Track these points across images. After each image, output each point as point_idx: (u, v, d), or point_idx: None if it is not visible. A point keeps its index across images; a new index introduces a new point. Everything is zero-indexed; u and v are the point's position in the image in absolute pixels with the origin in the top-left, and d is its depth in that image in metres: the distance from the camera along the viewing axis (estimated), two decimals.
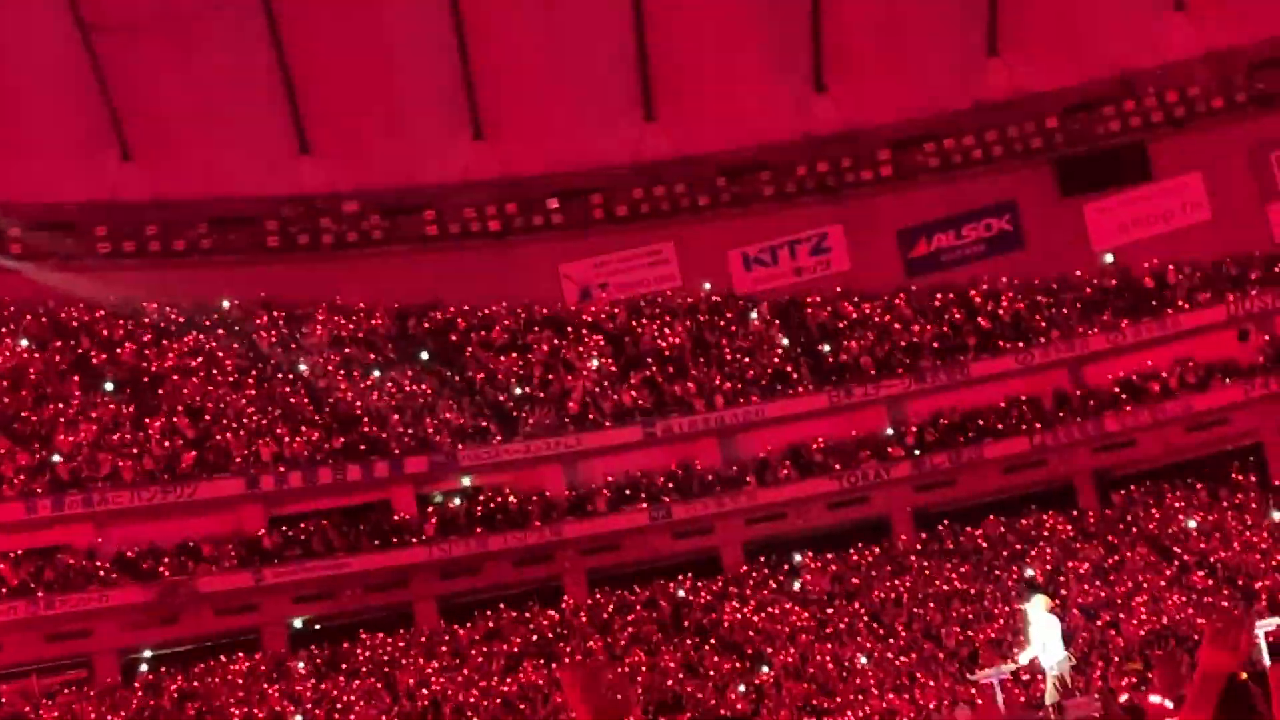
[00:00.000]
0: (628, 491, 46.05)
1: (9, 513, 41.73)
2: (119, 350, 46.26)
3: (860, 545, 46.06)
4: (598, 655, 41.85)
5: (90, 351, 46.11)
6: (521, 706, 40.92)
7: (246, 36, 47.57)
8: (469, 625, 44.27)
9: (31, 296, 46.03)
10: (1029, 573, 43.99)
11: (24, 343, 46.10)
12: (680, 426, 47.08)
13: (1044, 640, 28.58)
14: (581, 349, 49.03)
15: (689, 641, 42.40)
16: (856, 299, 50.13)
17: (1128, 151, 50.15)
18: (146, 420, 44.67)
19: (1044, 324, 48.54)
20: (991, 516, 46.22)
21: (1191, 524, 44.94)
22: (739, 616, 43.56)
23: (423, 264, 49.46)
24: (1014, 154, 50.68)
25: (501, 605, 44.63)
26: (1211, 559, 43.49)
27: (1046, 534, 45.45)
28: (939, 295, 49.93)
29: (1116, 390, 47.29)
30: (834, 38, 50.35)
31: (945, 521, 46.50)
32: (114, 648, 42.92)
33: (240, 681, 41.84)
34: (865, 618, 42.71)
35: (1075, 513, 46.29)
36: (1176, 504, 45.94)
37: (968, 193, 50.58)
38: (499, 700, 41.15)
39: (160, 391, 45.62)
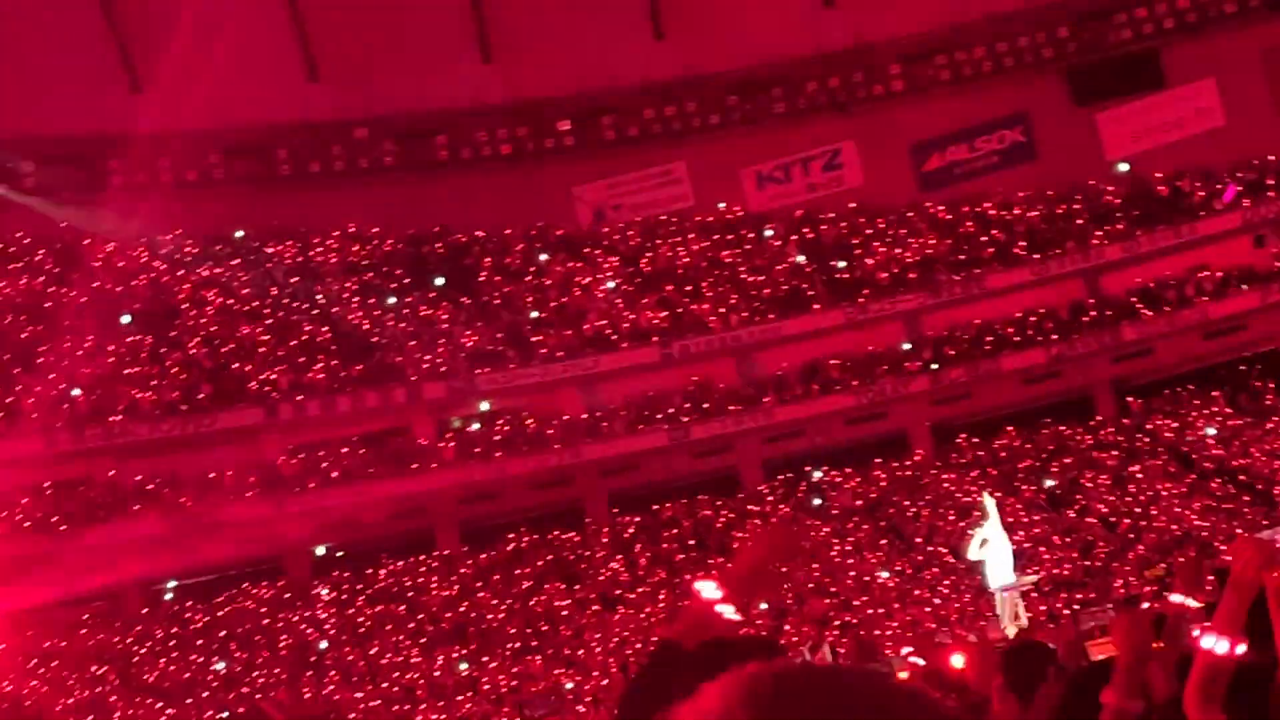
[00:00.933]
0: (646, 412, 46.22)
1: (29, 447, 41.79)
2: (134, 283, 46.34)
3: (879, 460, 46.17)
4: (620, 577, 42.26)
5: (106, 285, 46.20)
6: (544, 628, 41.25)
7: None
8: (490, 549, 44.54)
9: (46, 231, 46.05)
10: (1049, 483, 44.20)
11: (40, 278, 46.24)
12: (697, 346, 47.13)
13: (991, 546, 28.52)
14: (596, 271, 49.10)
15: (710, 560, 42.58)
16: (870, 214, 50.07)
17: (1140, 59, 50.08)
18: (164, 352, 44.80)
19: (1059, 235, 48.52)
20: (1010, 429, 46.31)
21: (1210, 431, 45.05)
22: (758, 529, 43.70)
23: (435, 189, 49.47)
24: (1025, 64, 50.68)
25: (522, 529, 44.86)
26: (1230, 465, 43.62)
27: (1065, 445, 45.58)
28: (953, 209, 49.92)
29: (1133, 300, 47.32)
30: None
31: (963, 435, 46.58)
32: (138, 579, 43.23)
33: (264, 610, 42.16)
34: (885, 532, 42.90)
35: (1093, 423, 46.41)
36: (1195, 412, 46.06)
37: (980, 105, 50.67)
38: (522, 622, 41.47)
39: (177, 323, 45.74)
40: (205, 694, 38.47)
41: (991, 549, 28.70)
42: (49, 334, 44.64)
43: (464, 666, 39.90)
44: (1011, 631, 27.18)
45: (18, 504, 41.52)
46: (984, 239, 48.81)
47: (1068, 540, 41.75)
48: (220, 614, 41.90)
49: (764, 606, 32.56)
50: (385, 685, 39.37)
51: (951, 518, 43.46)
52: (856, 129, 50.81)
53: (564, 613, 41.77)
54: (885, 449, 46.76)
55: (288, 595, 42.86)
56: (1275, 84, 49.60)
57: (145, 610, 42.46)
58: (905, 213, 49.98)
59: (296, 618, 41.90)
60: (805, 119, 50.88)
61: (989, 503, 30.20)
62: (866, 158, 50.73)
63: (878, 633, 37.73)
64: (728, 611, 4.13)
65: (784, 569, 4.30)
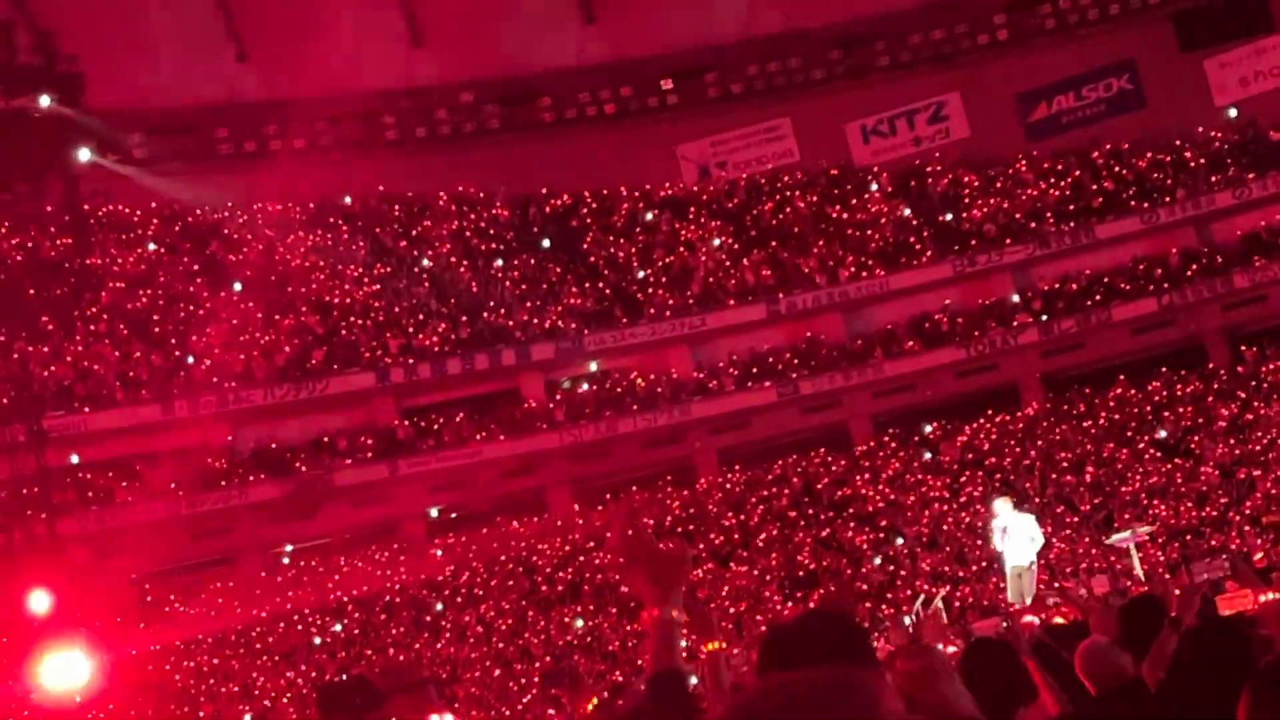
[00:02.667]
0: (754, 369, 46.41)
1: (147, 414, 42.55)
2: (245, 251, 46.92)
3: (990, 413, 46.17)
4: (732, 534, 42.49)
5: (217, 253, 46.84)
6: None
7: None
8: (601, 509, 44.90)
9: (157, 201, 46.66)
10: (1161, 433, 44.08)
11: (151, 246, 46.90)
12: (804, 302, 47.25)
13: (1012, 538, 28.90)
14: (702, 229, 49.31)
15: (821, 516, 42.81)
16: (977, 166, 50.03)
17: (1247, 3, 49.66)
18: (276, 318, 45.42)
19: (1169, 182, 48.32)
20: (1122, 378, 46.20)
21: None
22: (870, 489, 43.91)
23: (540, 151, 49.77)
24: (1131, 11, 50.35)
25: (633, 487, 45.18)
26: None
27: (1178, 394, 45.41)
28: (1061, 158, 49.81)
29: (1244, 246, 47.05)
30: None
31: (1075, 386, 46.50)
32: (255, 543, 43.95)
33: (380, 573, 42.68)
34: (997, 485, 42.95)
35: (1206, 371, 46.21)
36: None
37: (1086, 53, 50.47)
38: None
39: (288, 289, 46.31)
40: (324, 656, 38.98)
41: (1010, 536, 29.10)
42: (162, 303, 45.35)
43: (579, 624, 40.27)
44: (1018, 606, 27.61)
45: (134, 470, 42.24)
46: (1093, 188, 48.65)
47: (1182, 491, 41.63)
48: (336, 577, 42.42)
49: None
50: (500, 645, 39.78)
51: (1064, 468, 43.44)
52: (961, 80, 50.79)
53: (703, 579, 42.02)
54: (996, 401, 46.66)
55: (403, 558, 43.27)
56: None
57: (263, 574, 43.00)
58: (1012, 163, 49.86)
59: (413, 580, 42.35)
60: (909, 72, 50.94)
61: (1001, 505, 30.60)
62: (972, 109, 50.69)
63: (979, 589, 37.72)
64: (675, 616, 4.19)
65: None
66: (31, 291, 41.28)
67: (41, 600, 22.81)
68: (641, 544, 4.13)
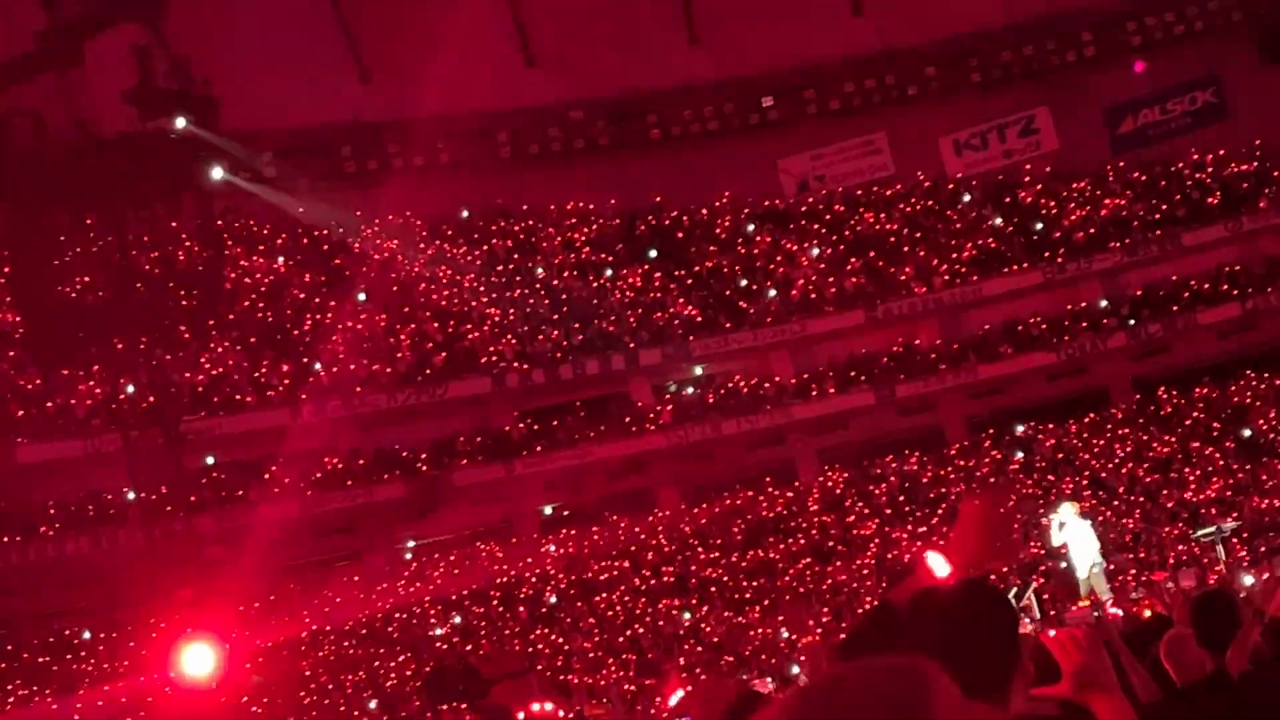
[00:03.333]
0: (853, 373, 46.55)
1: (277, 419, 43.03)
2: (368, 263, 47.33)
3: (1080, 414, 46.05)
4: (831, 531, 42.48)
5: (342, 265, 47.31)
6: (760, 581, 41.68)
7: None
8: (707, 506, 45.02)
9: (286, 216, 47.13)
10: (1246, 432, 43.86)
11: (281, 259, 47.39)
12: (901, 308, 47.48)
13: (1076, 543, 28.68)
14: (802, 239, 49.40)
15: (918, 514, 42.85)
16: (1066, 177, 49.95)
17: None
18: (398, 327, 45.83)
19: (1251, 192, 48.13)
20: (1208, 379, 45.99)
21: None
22: (964, 487, 43.87)
23: (647, 166, 50.14)
24: (1215, 27, 50.20)
25: (736, 486, 45.32)
26: None
27: (1262, 394, 45.16)
28: (1147, 169, 49.65)
29: None
30: None
31: (1162, 388, 46.32)
32: (378, 540, 44.34)
33: (497, 567, 42.96)
34: (1087, 483, 42.82)
35: None
36: None
37: (1171, 67, 50.39)
38: (739, 574, 41.94)
39: (409, 299, 46.71)
40: (444, 646, 39.27)
41: (1068, 529, 28.97)
42: (291, 313, 45.81)
43: (687, 616, 40.45)
44: (1085, 604, 27.38)
45: (269, 471, 42.72)
46: (1178, 197, 48.48)
47: (1267, 487, 41.43)
48: (456, 570, 42.72)
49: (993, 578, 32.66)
50: (610, 636, 40.00)
51: (1152, 466, 43.32)
52: (1050, 95, 50.75)
53: (779, 565, 42.17)
54: (1087, 404, 46.57)
55: (518, 552, 43.52)
56: None
57: (388, 568, 43.39)
58: (1100, 174, 49.78)
59: (529, 574, 42.61)
60: (1000, 88, 50.94)
61: (1065, 512, 30.47)
62: (1061, 123, 50.68)
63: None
64: (942, 572, 4.26)
65: (1005, 539, 4.36)
66: (169, 302, 41.60)
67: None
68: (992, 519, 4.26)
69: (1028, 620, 29.27)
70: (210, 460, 42.55)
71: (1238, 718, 6.81)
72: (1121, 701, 4.89)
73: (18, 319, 42.47)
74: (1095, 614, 25.44)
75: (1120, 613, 26.14)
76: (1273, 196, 47.68)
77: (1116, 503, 42.51)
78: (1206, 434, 44.44)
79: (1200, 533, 38.46)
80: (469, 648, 38.84)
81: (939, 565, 4.22)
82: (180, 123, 40.54)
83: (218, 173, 42.12)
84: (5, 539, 40.52)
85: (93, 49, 41.18)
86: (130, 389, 41.45)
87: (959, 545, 4.30)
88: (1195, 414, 45.25)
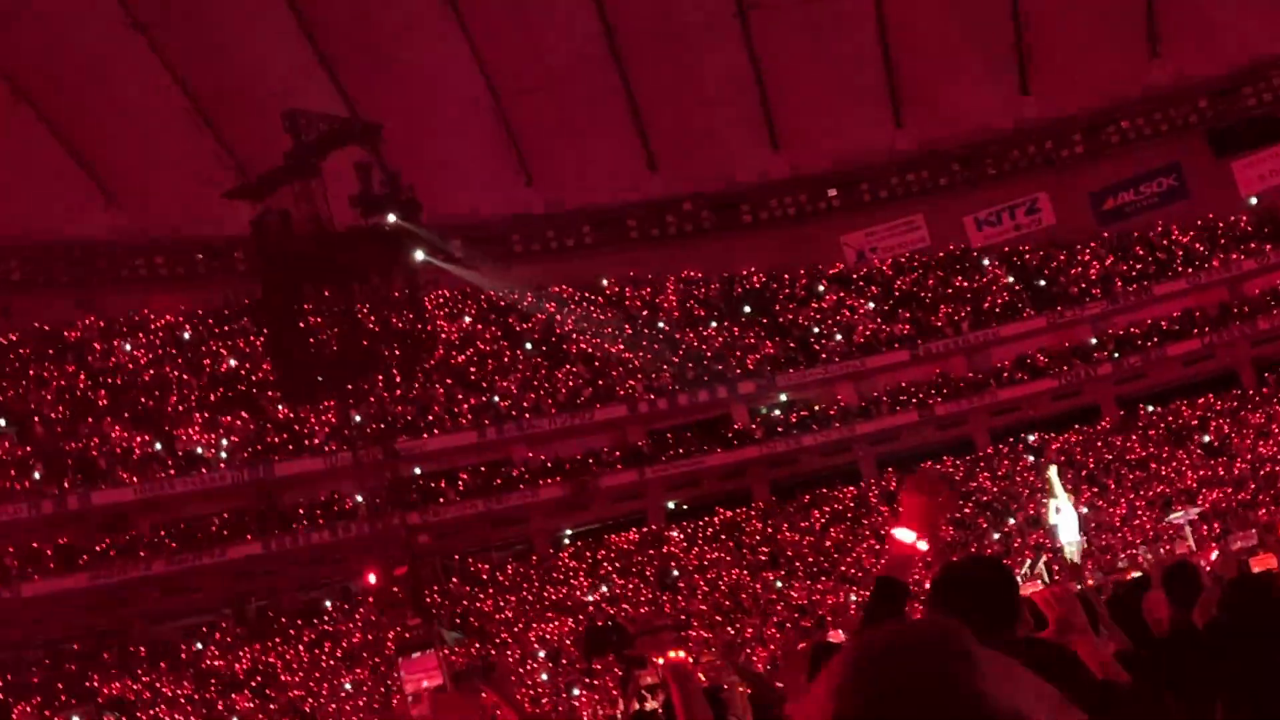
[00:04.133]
0: (902, 397, 46.52)
1: (466, 439, 43.60)
2: (533, 321, 47.80)
3: (1078, 426, 45.91)
4: (889, 520, 42.52)
5: (513, 323, 47.80)
6: (835, 556, 41.80)
7: (601, 89, 48.32)
8: (791, 501, 45.19)
9: (470, 288, 47.60)
10: (1206, 438, 43.53)
11: (468, 319, 47.94)
12: (937, 347, 47.44)
13: (1063, 509, 27.55)
14: (860, 296, 49.47)
15: (964, 508, 42.78)
16: (1062, 245, 49.77)
17: (1263, 120, 49.03)
18: (555, 369, 46.25)
19: (1207, 253, 47.78)
20: (1176, 399, 45.71)
21: None
22: (988, 484, 43.81)
23: (741, 244, 50.20)
24: (1176, 129, 49.86)
25: (816, 486, 45.48)
26: None
27: (1218, 409, 44.83)
28: (1125, 238, 49.45)
29: (1267, 298, 46.47)
30: (1035, 50, 49.70)
31: (1141, 405, 46.08)
32: (544, 530, 44.76)
33: (633, 549, 43.28)
34: (1085, 480, 42.67)
35: (1239, 392, 45.57)
36: None
37: (1142, 159, 49.99)
38: (818, 552, 42.08)
39: (564, 347, 47.14)
40: (594, 610, 39.58)
41: (1061, 513, 28.20)
42: (475, 359, 46.35)
43: (779, 585, 40.61)
44: (1073, 576, 26.51)
45: (457, 478, 43.21)
46: (1149, 259, 48.20)
47: (1223, 480, 41.12)
48: (602, 553, 43.07)
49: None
50: (720, 600, 40.18)
51: (1134, 465, 43.10)
52: (1049, 182, 50.41)
53: (847, 545, 42.24)
54: (1082, 417, 46.44)
55: (650, 538, 43.83)
56: None
57: (550, 551, 43.77)
58: (1089, 242, 49.50)
59: (656, 554, 42.90)
60: (1010, 178, 50.65)
61: (1053, 475, 29.62)
62: (1057, 203, 50.28)
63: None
64: (921, 546, 4.08)
65: (946, 507, 4.26)
66: (386, 353, 42.13)
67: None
68: (930, 494, 4.25)
69: (1040, 584, 29.26)
70: (417, 470, 43.12)
71: (1198, 659, 6.81)
72: (1095, 641, 4.95)
73: (273, 368, 43.07)
74: (1077, 585, 25.38)
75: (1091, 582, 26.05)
76: (1221, 258, 47.35)
77: (1108, 494, 42.33)
78: (1175, 440, 44.15)
79: (1171, 516, 38.28)
80: (612, 610, 39.19)
81: (905, 535, 4.09)
82: (392, 219, 41.14)
83: (420, 255, 42.71)
84: (266, 532, 41.27)
85: (327, 165, 41.85)
86: (357, 418, 42.16)
87: (910, 519, 4.14)
88: (1166, 425, 44.98)
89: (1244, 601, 7.17)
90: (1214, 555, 27.59)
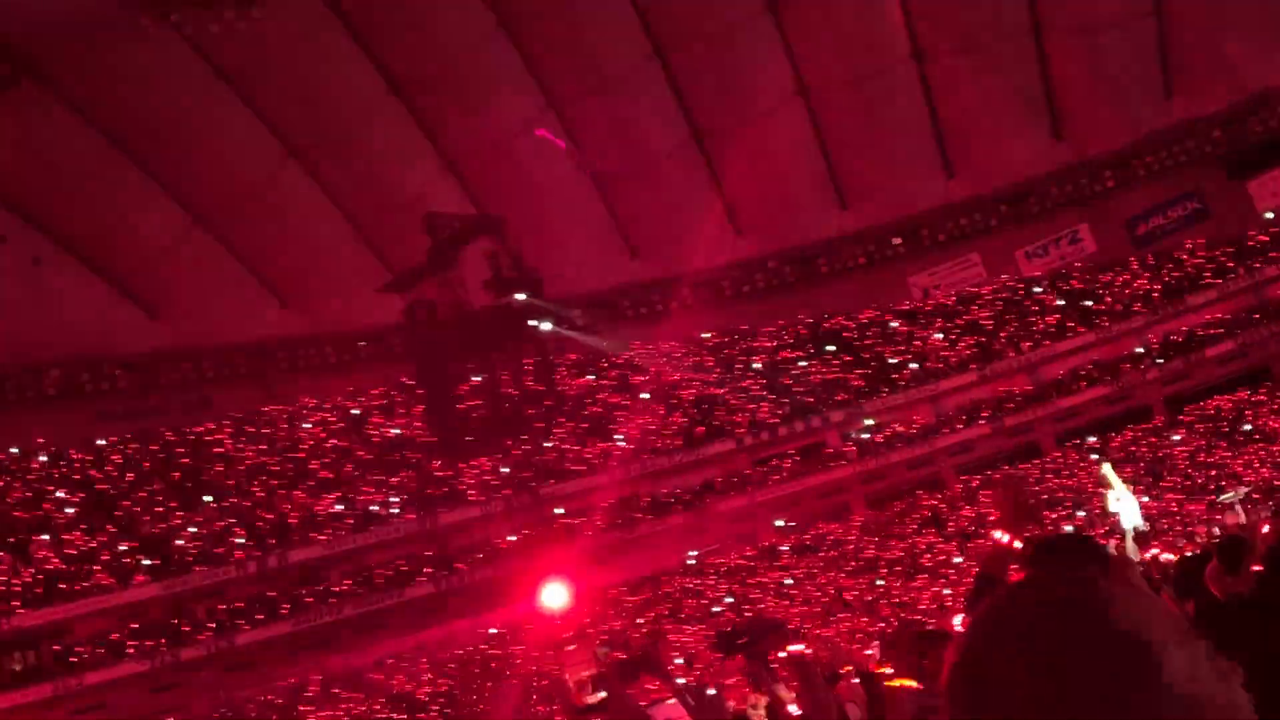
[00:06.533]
0: (973, 412, 46.63)
1: (597, 480, 44.11)
2: (645, 373, 48.45)
3: (1133, 425, 45.74)
4: (970, 521, 42.61)
5: (626, 375, 48.59)
6: (925, 560, 41.84)
7: (689, 168, 49.11)
8: (886, 509, 45.31)
9: (591, 349, 48.23)
10: (1246, 427, 43.22)
11: (590, 376, 48.72)
12: (999, 367, 47.64)
13: (1120, 497, 27.42)
14: (929, 328, 49.69)
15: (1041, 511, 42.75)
16: (1104, 268, 49.81)
17: (1271, 144, 48.86)
18: (666, 412, 46.85)
19: (1232, 265, 47.55)
20: (1216, 394, 45.46)
21: None
22: (1056, 482, 43.74)
23: (821, 292, 50.87)
24: (1195, 158, 49.83)
25: (905, 496, 45.67)
26: None
27: (1253, 401, 44.55)
28: (1158, 257, 49.35)
29: None
30: (1063, 100, 49.95)
31: (1186, 403, 45.88)
32: (669, 555, 44.99)
33: (747, 563, 43.65)
34: (1143, 472, 42.49)
35: (1268, 385, 45.27)
36: None
37: (1169, 188, 50.09)
38: (912, 554, 42.17)
39: (674, 392, 47.75)
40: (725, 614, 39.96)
41: (1122, 503, 27.85)
42: (600, 410, 46.98)
43: (880, 583, 40.76)
44: (1136, 558, 26.09)
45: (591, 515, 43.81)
46: (1180, 274, 48.05)
47: (1265, 461, 40.87)
48: (713, 564, 43.32)
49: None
50: (830, 601, 40.40)
51: (1185, 455, 42.92)
52: (1088, 214, 50.69)
53: (939, 547, 42.28)
54: (1136, 417, 46.26)
55: (761, 553, 44.06)
56: None
57: (680, 569, 44.21)
58: (1126, 264, 49.44)
59: (765, 566, 43.17)
60: (1052, 213, 50.94)
61: (1107, 470, 29.29)
62: (1097, 232, 50.52)
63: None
64: (1016, 544, 4.20)
65: (1031, 508, 4.33)
66: (526, 412, 43.11)
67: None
68: (1017, 498, 4.10)
69: None
70: (559, 511, 43.86)
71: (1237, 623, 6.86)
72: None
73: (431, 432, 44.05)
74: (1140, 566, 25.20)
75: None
76: (1247, 267, 47.14)
77: (1163, 482, 42.17)
78: (1219, 431, 43.94)
79: (1222, 497, 38.05)
80: (733, 616, 39.55)
81: (1000, 536, 4.21)
82: (520, 297, 42.29)
83: (547, 326, 43.77)
84: (430, 574, 42.11)
85: (462, 255, 43.01)
86: (505, 470, 43.13)
87: (1005, 520, 4.26)
88: (1210, 419, 44.76)
89: (1272, 571, 7.41)
90: (1264, 529, 27.52)
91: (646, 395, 47.60)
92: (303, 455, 44.34)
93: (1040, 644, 1.30)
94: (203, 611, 39.66)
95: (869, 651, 34.57)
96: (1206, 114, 49.48)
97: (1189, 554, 24.47)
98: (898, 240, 51.58)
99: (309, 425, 45.59)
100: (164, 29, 39.01)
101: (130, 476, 42.59)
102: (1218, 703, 1.27)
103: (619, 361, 49.08)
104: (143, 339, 44.47)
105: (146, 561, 39.69)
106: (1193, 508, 40.15)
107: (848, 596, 40.76)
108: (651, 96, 47.07)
